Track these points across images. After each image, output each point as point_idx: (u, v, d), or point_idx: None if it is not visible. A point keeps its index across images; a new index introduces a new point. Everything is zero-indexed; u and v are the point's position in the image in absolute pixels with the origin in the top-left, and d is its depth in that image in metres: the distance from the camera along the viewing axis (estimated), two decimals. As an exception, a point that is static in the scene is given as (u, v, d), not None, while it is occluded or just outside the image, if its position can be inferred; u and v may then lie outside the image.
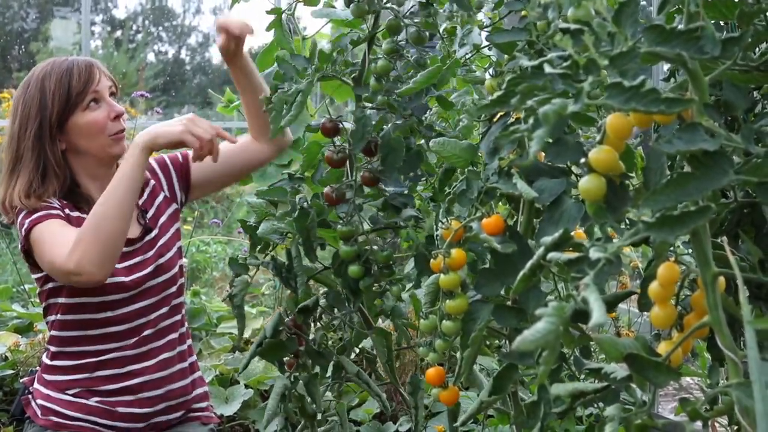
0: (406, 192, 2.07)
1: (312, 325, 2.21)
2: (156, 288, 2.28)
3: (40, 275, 2.23)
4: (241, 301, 2.18)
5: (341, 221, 2.02)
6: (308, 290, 2.14)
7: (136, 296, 2.25)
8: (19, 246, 2.17)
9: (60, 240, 2.06)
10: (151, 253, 2.29)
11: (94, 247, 2.01)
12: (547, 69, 1.01)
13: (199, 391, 2.43)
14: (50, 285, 2.22)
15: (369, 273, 2.03)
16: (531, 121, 0.97)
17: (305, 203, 2.06)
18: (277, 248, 2.19)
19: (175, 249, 2.36)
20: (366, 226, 2.06)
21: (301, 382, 2.17)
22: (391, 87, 1.96)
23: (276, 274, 2.14)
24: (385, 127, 1.98)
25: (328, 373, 2.30)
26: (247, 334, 3.78)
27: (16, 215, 2.16)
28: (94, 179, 2.27)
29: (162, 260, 2.30)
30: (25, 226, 2.12)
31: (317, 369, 2.21)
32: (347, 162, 2.05)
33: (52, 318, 2.25)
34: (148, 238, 2.31)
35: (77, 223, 2.18)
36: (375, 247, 2.02)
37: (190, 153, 2.35)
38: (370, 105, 2.01)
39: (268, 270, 2.19)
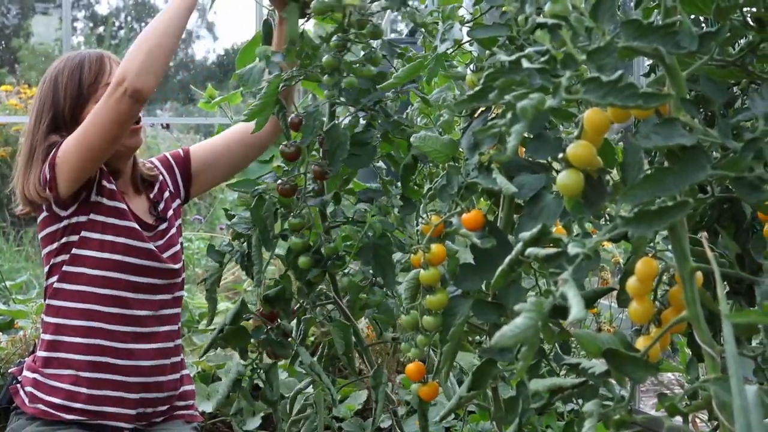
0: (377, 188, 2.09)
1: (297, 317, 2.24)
2: (166, 272, 2.32)
3: (63, 211, 2.24)
4: (211, 285, 2.21)
5: (292, 214, 2.05)
6: (289, 282, 2.16)
7: (149, 270, 2.29)
8: (45, 169, 2.19)
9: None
10: (162, 242, 2.35)
11: (138, 54, 2.11)
12: (525, 64, 1.00)
13: (186, 388, 2.44)
14: (75, 219, 2.24)
15: (318, 264, 2.05)
16: (509, 116, 0.97)
17: (264, 193, 2.07)
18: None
19: (179, 242, 2.41)
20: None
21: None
22: (339, 81, 1.99)
23: (238, 262, 2.17)
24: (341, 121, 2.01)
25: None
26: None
27: (44, 179, 2.19)
28: (114, 175, 2.30)
29: (174, 249, 2.35)
30: (51, 155, 2.19)
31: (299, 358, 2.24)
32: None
33: (61, 258, 2.26)
34: (160, 228, 2.36)
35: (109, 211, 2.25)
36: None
37: (191, 147, 2.49)
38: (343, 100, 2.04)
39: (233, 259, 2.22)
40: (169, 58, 2.18)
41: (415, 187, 2.08)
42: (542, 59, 1.00)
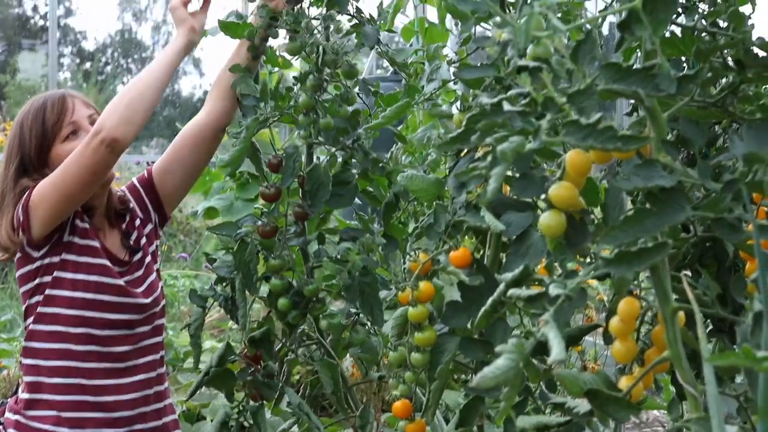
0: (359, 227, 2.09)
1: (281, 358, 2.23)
2: (141, 307, 2.29)
3: (36, 252, 2.23)
4: (195, 330, 2.20)
5: (272, 256, 2.05)
6: (272, 323, 2.15)
7: (123, 306, 2.26)
8: (18, 212, 2.18)
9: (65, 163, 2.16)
10: (140, 272, 2.32)
11: (119, 106, 2.13)
12: (506, 107, 1.01)
13: (168, 419, 2.41)
14: (47, 260, 2.23)
15: (296, 306, 2.06)
16: (489, 158, 0.98)
17: (246, 236, 2.07)
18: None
19: (155, 270, 2.38)
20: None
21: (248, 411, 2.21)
22: (315, 120, 2.02)
23: (222, 306, 2.16)
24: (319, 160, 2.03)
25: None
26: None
27: (18, 223, 2.19)
28: (89, 212, 2.29)
29: (150, 279, 2.33)
30: (24, 198, 2.19)
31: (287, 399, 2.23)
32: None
33: (36, 299, 2.24)
34: (135, 258, 2.33)
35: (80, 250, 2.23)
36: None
37: (153, 167, 2.47)
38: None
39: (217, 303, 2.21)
40: (149, 110, 2.20)
41: (400, 225, 2.09)
42: (523, 102, 1.01)
